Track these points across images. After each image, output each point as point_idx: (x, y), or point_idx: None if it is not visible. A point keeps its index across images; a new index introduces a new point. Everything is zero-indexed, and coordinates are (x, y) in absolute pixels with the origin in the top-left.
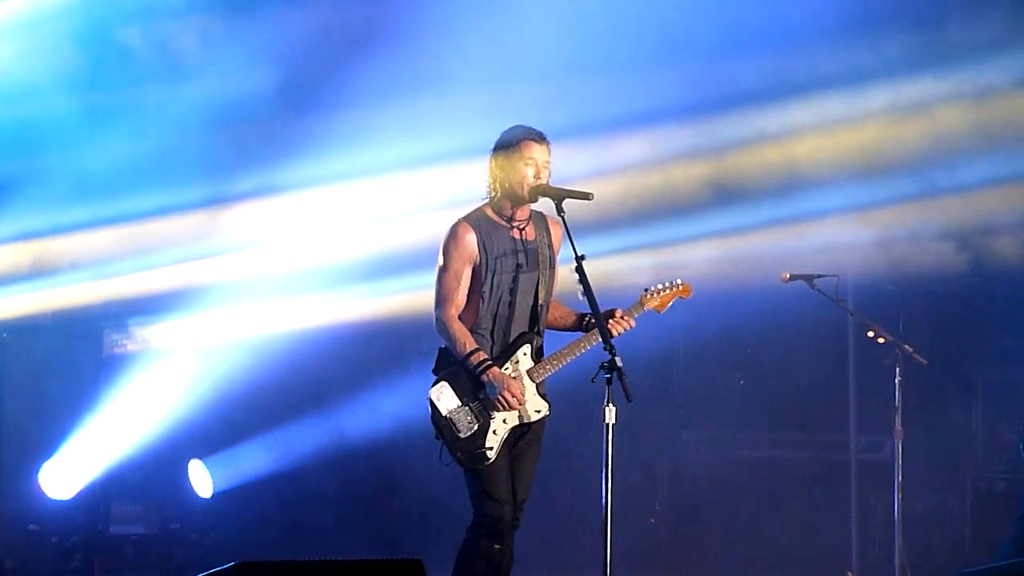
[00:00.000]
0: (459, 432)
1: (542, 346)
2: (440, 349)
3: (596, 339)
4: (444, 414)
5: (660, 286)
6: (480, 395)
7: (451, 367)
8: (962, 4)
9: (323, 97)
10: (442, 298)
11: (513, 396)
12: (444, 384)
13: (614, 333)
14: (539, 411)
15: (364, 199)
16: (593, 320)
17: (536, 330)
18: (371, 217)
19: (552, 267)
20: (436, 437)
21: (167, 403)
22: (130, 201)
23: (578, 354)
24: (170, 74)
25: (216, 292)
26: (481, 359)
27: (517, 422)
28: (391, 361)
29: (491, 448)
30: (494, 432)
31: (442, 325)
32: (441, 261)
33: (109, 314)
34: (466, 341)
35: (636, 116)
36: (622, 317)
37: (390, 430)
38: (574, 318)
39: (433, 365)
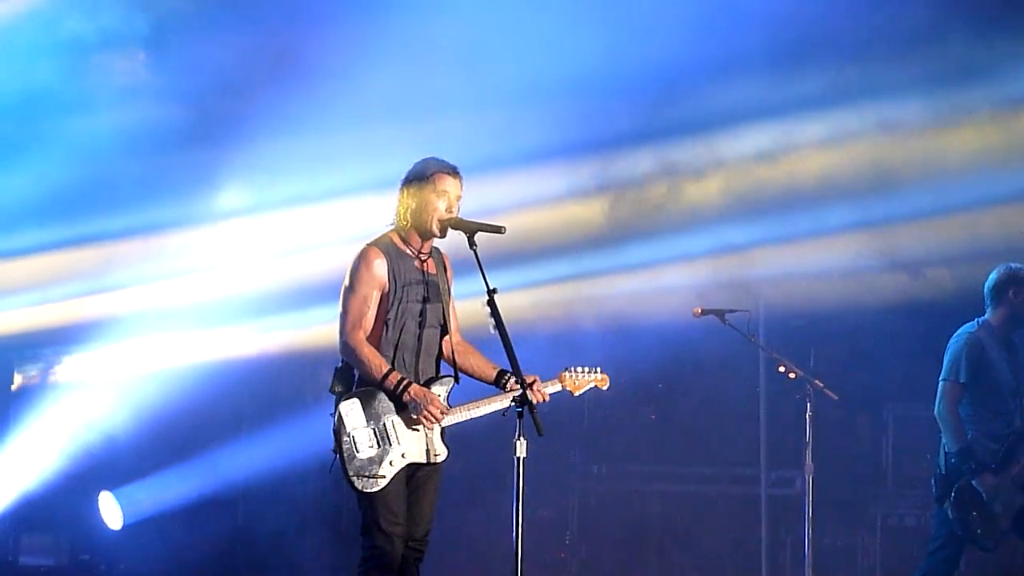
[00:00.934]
0: (357, 451)
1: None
2: (337, 368)
3: (510, 401)
4: (348, 430)
5: (580, 370)
6: (384, 422)
7: (363, 387)
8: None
9: (239, 128)
10: (350, 322)
11: (437, 410)
12: (356, 401)
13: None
14: (438, 455)
15: (275, 230)
16: (508, 381)
17: (455, 374)
18: (282, 248)
19: (449, 302)
20: (333, 450)
21: (77, 434)
22: (38, 232)
23: (489, 411)
24: (82, 104)
25: (126, 323)
26: (399, 379)
27: (415, 459)
28: (303, 392)
29: (383, 476)
30: (390, 463)
31: (350, 348)
32: (348, 283)
33: (18, 345)
34: (380, 363)
35: (546, 149)
36: (538, 390)
37: (301, 462)
38: (492, 373)
39: (330, 384)
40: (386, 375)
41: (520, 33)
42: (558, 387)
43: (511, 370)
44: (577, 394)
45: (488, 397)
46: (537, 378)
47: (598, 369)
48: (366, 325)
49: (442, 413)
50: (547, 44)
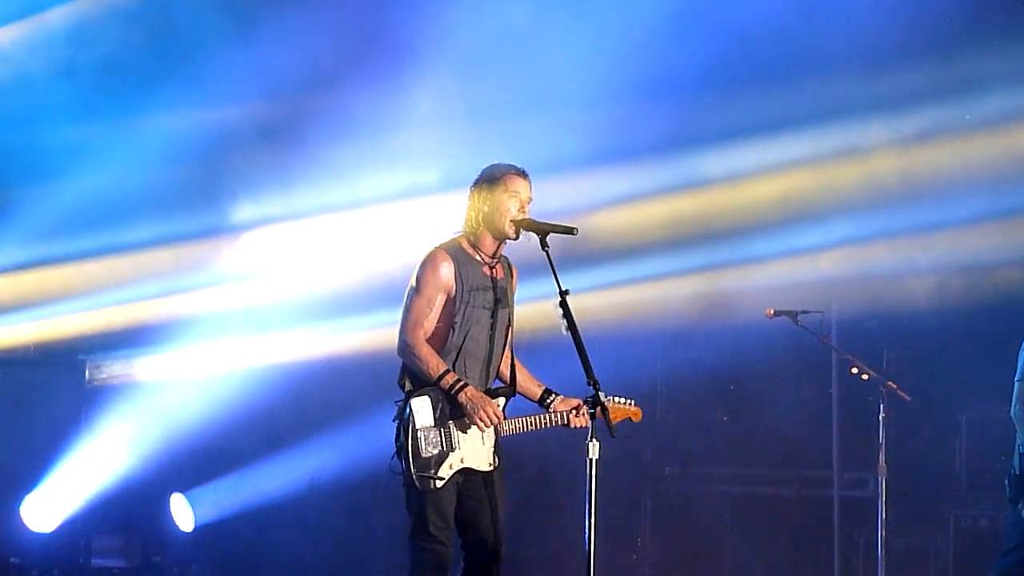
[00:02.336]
0: (421, 449)
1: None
2: (405, 364)
3: (558, 420)
4: (417, 427)
5: (618, 400)
6: (450, 424)
7: (431, 385)
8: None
9: (309, 129)
10: (412, 322)
11: (492, 413)
12: (427, 399)
13: (572, 425)
14: (491, 464)
15: (344, 232)
16: (553, 401)
17: (512, 386)
18: (352, 250)
19: (513, 311)
20: (396, 443)
21: (149, 436)
22: (111, 234)
23: (541, 428)
24: (154, 107)
25: (198, 325)
26: (455, 379)
27: (470, 465)
28: (372, 394)
29: (442, 479)
30: (450, 465)
31: (409, 348)
32: (413, 284)
33: (91, 346)
34: (437, 363)
35: (617, 151)
36: (582, 414)
37: (367, 462)
38: (538, 392)
39: (398, 377)
40: (442, 375)
41: (593, 34)
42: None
43: (584, 371)
44: (612, 423)
45: (541, 414)
46: (581, 402)
47: (633, 402)
48: (427, 326)
49: (496, 417)
50: (611, 45)
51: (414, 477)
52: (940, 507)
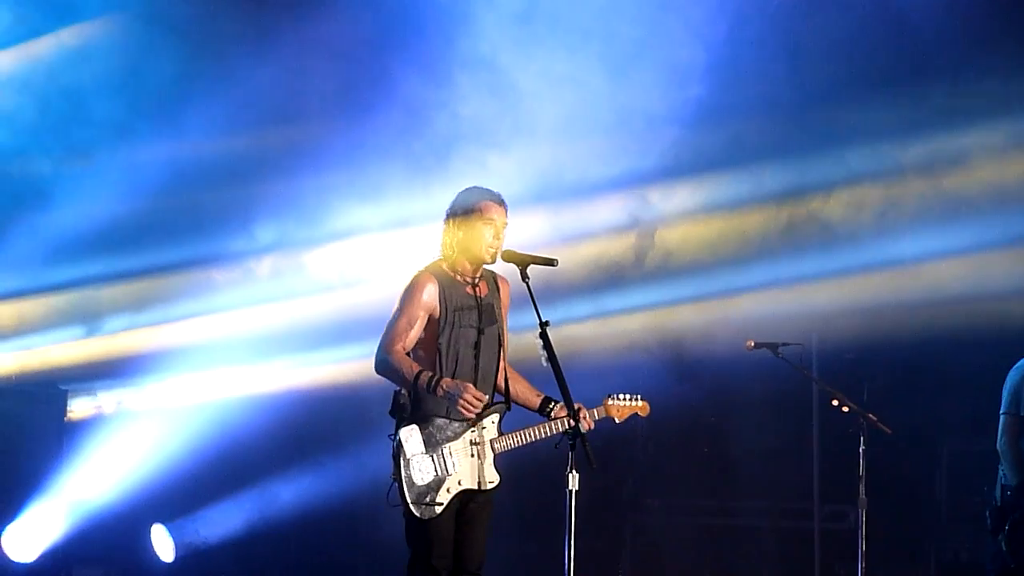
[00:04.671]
0: (415, 478)
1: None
2: (396, 391)
3: (558, 427)
4: (408, 456)
5: (623, 397)
6: (442, 449)
7: (417, 412)
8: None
9: (293, 160)
10: (389, 338)
11: (474, 397)
12: (415, 427)
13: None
14: (492, 481)
15: (327, 263)
16: (554, 408)
17: (506, 401)
18: (335, 280)
19: (503, 325)
20: (392, 476)
21: (130, 467)
22: (90, 265)
23: (539, 438)
24: (133, 137)
25: (178, 356)
26: (429, 376)
27: (469, 486)
28: (354, 425)
29: (440, 504)
30: (447, 490)
31: (383, 360)
32: (397, 306)
33: (71, 377)
34: (410, 366)
35: (590, 183)
36: (584, 417)
37: (355, 494)
38: (537, 401)
39: (390, 407)
40: (417, 375)
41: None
42: (603, 414)
43: (563, 403)
44: (619, 421)
45: (536, 425)
46: (582, 405)
47: (639, 396)
48: (406, 342)
49: (479, 399)
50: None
51: (411, 507)
52: (921, 540)
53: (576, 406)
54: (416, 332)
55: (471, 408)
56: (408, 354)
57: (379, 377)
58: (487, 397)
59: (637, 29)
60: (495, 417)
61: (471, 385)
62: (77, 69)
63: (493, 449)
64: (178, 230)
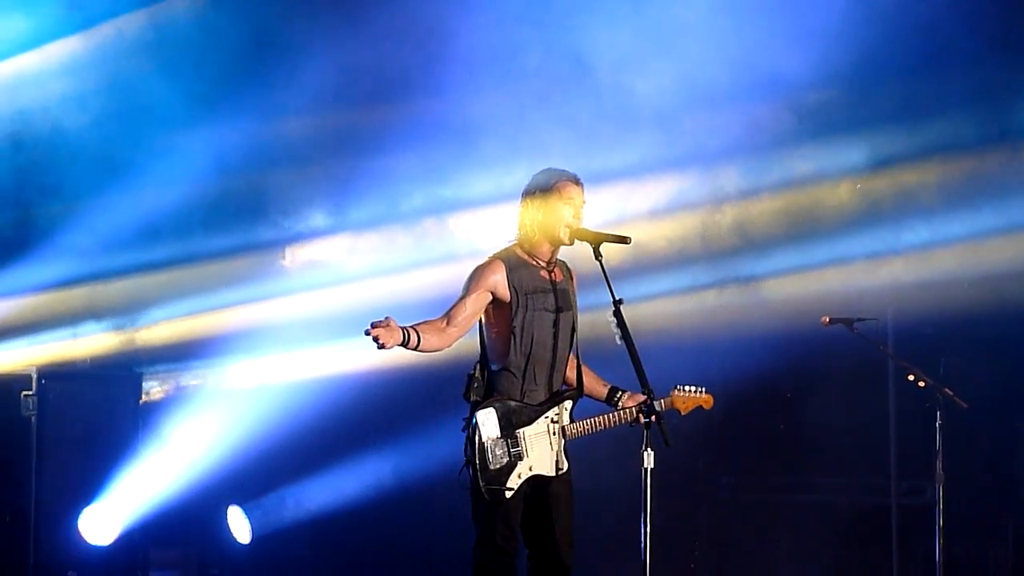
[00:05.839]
0: (489, 461)
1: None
2: (469, 375)
3: (628, 416)
4: (483, 439)
5: (690, 388)
6: (517, 433)
7: (492, 395)
8: None
9: (365, 139)
10: (442, 315)
11: (375, 328)
12: (491, 411)
13: (641, 420)
14: (561, 469)
15: (405, 243)
16: (620, 398)
17: (579, 388)
18: (411, 260)
19: (576, 313)
20: (465, 459)
21: (206, 448)
22: (167, 247)
23: (609, 427)
24: (200, 119)
25: (254, 337)
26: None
27: (540, 472)
28: (428, 406)
29: (511, 489)
30: (519, 475)
31: None
32: (462, 289)
33: (147, 359)
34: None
35: (665, 161)
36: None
37: (428, 475)
38: (604, 391)
39: (464, 390)
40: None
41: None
42: (669, 405)
43: (638, 381)
44: (684, 413)
45: (607, 414)
46: (648, 397)
47: (704, 389)
48: (457, 321)
49: (375, 326)
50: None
51: (483, 489)
52: (999, 515)
53: (642, 398)
54: (472, 314)
55: (375, 336)
56: (487, 340)
57: (455, 358)
58: (388, 326)
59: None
60: (568, 404)
61: (388, 318)
62: (144, 53)
63: (565, 435)
64: (249, 211)
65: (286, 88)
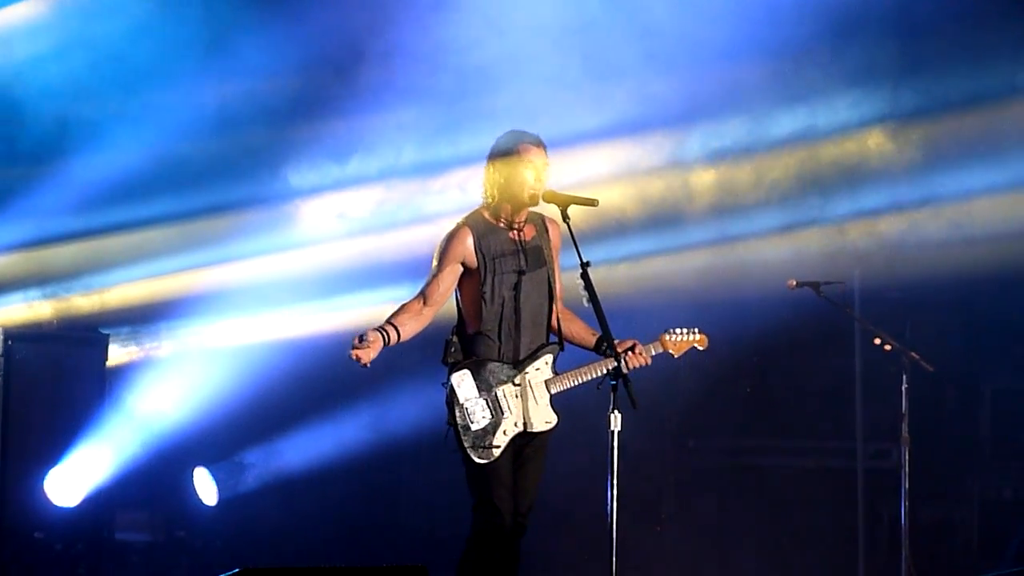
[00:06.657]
0: (471, 422)
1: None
2: (447, 340)
3: (612, 364)
4: (461, 401)
5: (680, 331)
6: (496, 391)
7: (468, 357)
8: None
9: (333, 102)
10: (418, 292)
11: (355, 348)
12: (466, 372)
13: (630, 365)
14: (548, 422)
15: (358, 207)
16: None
17: (559, 341)
18: (385, 221)
19: (553, 266)
20: (448, 422)
21: (172, 410)
22: (132, 208)
23: (595, 376)
24: (177, 78)
25: (220, 299)
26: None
27: (524, 428)
28: (399, 369)
29: (498, 447)
30: (504, 432)
31: None
32: (433, 260)
33: (113, 321)
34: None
35: (636, 122)
36: (640, 353)
37: (395, 438)
38: (592, 340)
39: (442, 355)
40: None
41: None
42: (660, 349)
43: (605, 342)
44: (677, 355)
45: (591, 363)
46: (637, 342)
47: (696, 330)
48: (435, 296)
49: (355, 348)
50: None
51: (469, 452)
52: (964, 478)
53: (631, 343)
54: (446, 289)
55: (356, 357)
56: (461, 305)
57: (435, 318)
58: (360, 342)
59: None
60: (548, 358)
61: (369, 333)
62: (119, 12)
63: (548, 389)
64: (214, 173)
65: (254, 48)
